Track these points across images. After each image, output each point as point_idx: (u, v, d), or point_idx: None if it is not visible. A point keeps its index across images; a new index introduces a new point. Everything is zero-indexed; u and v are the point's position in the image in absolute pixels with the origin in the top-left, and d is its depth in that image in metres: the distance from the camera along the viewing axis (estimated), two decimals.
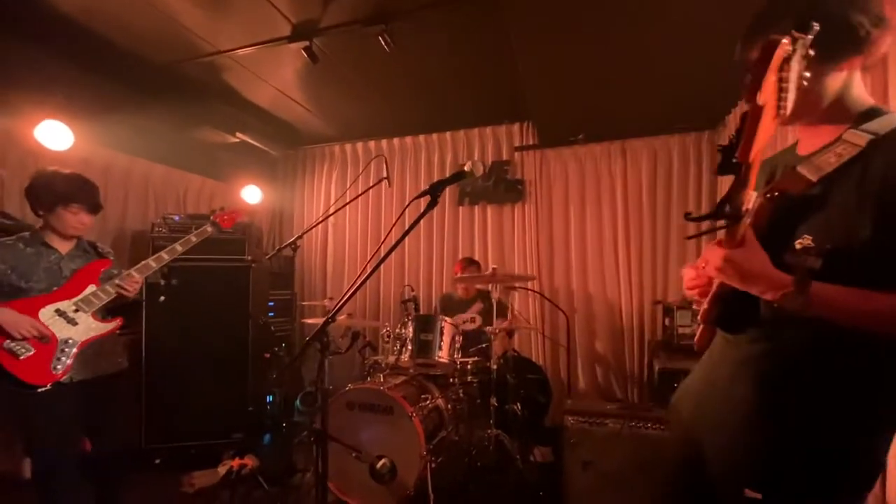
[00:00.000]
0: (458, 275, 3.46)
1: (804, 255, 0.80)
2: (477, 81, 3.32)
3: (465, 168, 1.42)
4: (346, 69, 3.14)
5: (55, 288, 1.83)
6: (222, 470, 2.72)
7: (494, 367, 2.82)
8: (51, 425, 1.78)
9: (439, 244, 4.29)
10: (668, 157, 3.81)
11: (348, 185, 4.47)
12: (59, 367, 1.76)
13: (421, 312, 3.29)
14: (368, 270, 1.43)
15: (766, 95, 0.68)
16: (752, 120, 0.68)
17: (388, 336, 2.86)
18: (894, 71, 1.77)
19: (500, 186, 4.08)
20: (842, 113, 0.88)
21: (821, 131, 0.90)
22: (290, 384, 3.69)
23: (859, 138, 0.82)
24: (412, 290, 3.16)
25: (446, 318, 2.79)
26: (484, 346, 3.03)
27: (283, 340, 3.89)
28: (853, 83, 0.87)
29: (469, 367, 2.90)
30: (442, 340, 2.70)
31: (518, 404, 3.04)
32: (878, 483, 1.78)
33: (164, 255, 2.05)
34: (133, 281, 1.94)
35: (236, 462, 2.68)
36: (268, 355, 3.42)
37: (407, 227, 1.45)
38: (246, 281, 3.30)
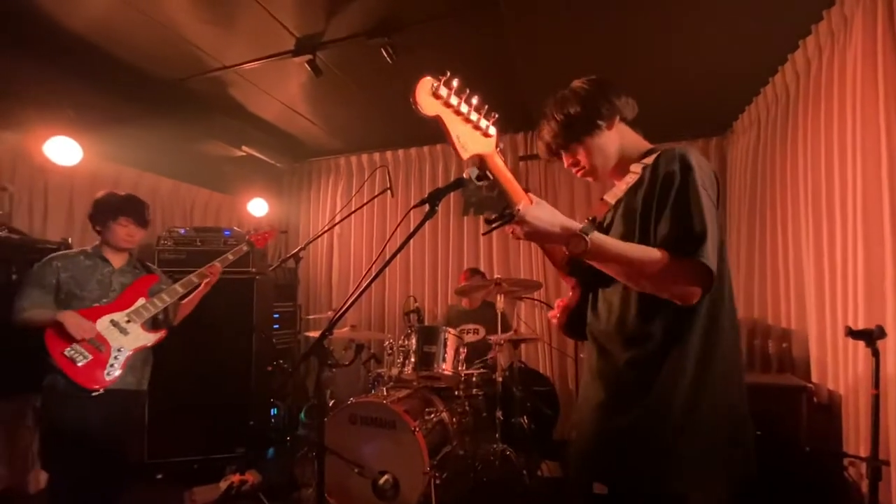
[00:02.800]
0: (462, 284, 3.42)
1: None
2: (480, 91, 3.30)
3: (465, 175, 1.39)
4: (350, 82, 3.16)
5: (105, 300, 2.01)
6: (224, 485, 2.68)
7: (500, 379, 2.77)
8: (84, 429, 1.89)
9: (444, 255, 4.27)
10: None
11: (352, 197, 4.48)
12: (111, 373, 1.94)
13: (425, 324, 3.25)
14: (366, 284, 1.41)
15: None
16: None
17: (392, 348, 2.82)
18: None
19: (506, 196, 4.05)
20: (630, 159, 1.16)
21: (620, 175, 1.17)
22: (295, 397, 3.66)
23: (638, 168, 1.11)
24: (415, 301, 3.12)
25: (450, 330, 2.75)
26: (489, 357, 2.97)
27: (288, 353, 3.87)
28: (624, 135, 1.18)
29: (474, 379, 2.84)
30: (445, 352, 2.66)
31: (525, 417, 2.97)
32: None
33: (205, 272, 2.27)
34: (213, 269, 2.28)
35: (237, 478, 2.64)
36: (270, 368, 3.39)
37: (407, 238, 1.42)
38: (250, 293, 3.28)
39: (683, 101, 3.27)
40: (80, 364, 1.87)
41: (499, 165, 1.03)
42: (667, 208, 0.99)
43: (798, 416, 2.09)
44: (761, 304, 3.01)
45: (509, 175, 1.05)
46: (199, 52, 2.76)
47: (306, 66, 2.79)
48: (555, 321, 1.28)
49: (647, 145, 1.19)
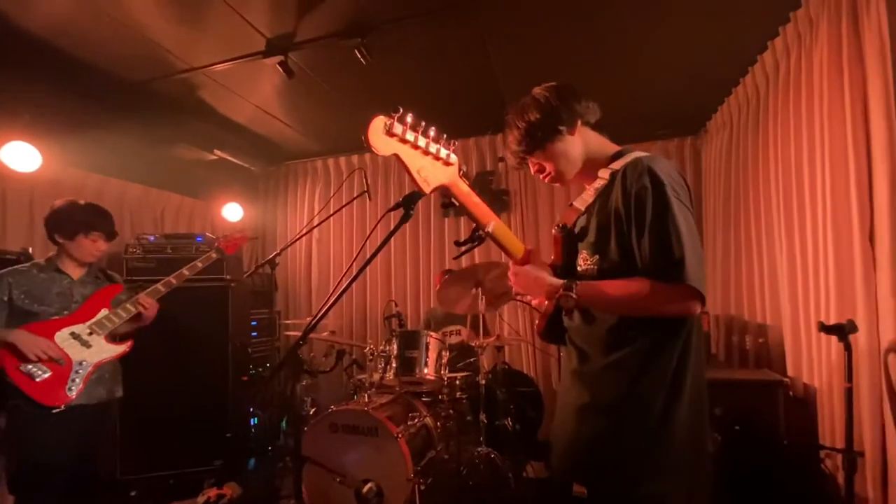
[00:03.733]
0: (438, 287, 3.40)
1: (587, 269, 1.10)
2: (457, 92, 3.30)
3: None
4: (323, 83, 3.10)
5: (66, 312, 1.92)
6: (201, 500, 2.59)
7: (483, 381, 2.75)
8: (49, 448, 1.81)
9: (425, 258, 4.24)
10: None
11: (330, 200, 4.40)
12: (73, 388, 1.85)
13: (407, 328, 3.21)
14: (344, 286, 1.37)
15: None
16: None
17: (373, 354, 2.78)
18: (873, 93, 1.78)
19: (485, 197, 3.99)
20: (596, 162, 1.17)
21: (589, 178, 1.19)
22: (276, 406, 3.57)
23: (606, 173, 1.12)
24: (396, 306, 3.08)
25: (432, 334, 2.72)
26: (472, 360, 2.95)
27: (267, 361, 3.77)
28: (588, 139, 1.19)
29: (457, 382, 2.82)
30: (427, 356, 2.62)
31: (509, 419, 2.96)
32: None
33: (173, 280, 2.13)
34: (148, 302, 2.05)
35: (214, 492, 2.56)
36: (245, 378, 3.30)
37: (384, 241, 1.39)
38: (224, 301, 3.19)
39: (658, 101, 3.32)
40: (38, 380, 1.78)
41: (463, 191, 1.04)
42: (645, 231, 1.00)
43: (775, 410, 2.13)
44: (737, 300, 3.06)
45: (475, 198, 1.07)
46: (165, 52, 2.66)
47: (278, 67, 2.72)
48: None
49: (613, 148, 1.20)
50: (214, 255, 2.32)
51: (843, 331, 1.65)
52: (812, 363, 2.17)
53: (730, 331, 3.13)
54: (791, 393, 2.27)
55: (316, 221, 4.24)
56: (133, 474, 2.88)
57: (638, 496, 1.01)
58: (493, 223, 1.08)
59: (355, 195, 3.06)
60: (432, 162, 0.98)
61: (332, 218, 4.19)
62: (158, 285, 2.10)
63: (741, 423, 2.10)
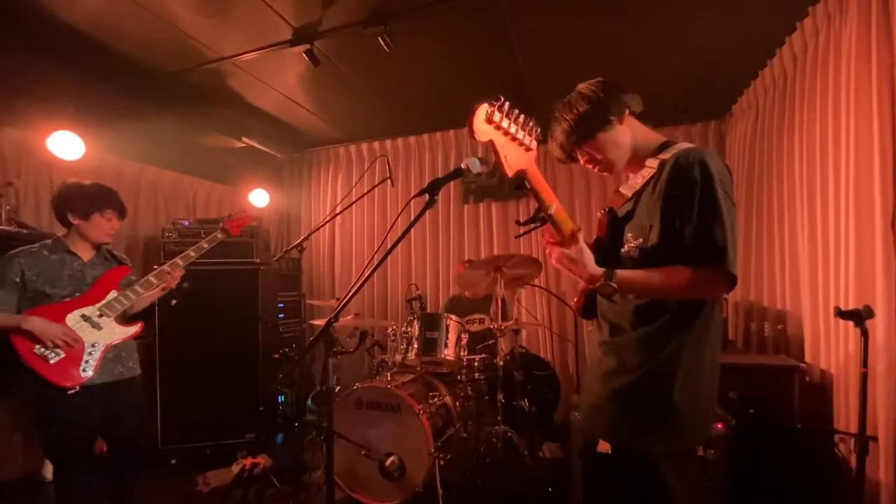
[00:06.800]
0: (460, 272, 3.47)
1: (630, 250, 1.17)
2: (478, 78, 3.31)
3: (463, 165, 1.42)
4: (347, 71, 3.16)
5: (78, 293, 1.91)
6: (236, 469, 2.77)
7: (501, 363, 2.83)
8: (74, 426, 1.85)
9: (445, 242, 4.31)
10: None
11: (353, 187, 4.50)
12: (87, 369, 1.85)
13: (427, 311, 3.30)
14: (369, 272, 1.45)
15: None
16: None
17: (395, 335, 2.88)
18: None
19: (505, 183, 4.07)
20: (643, 152, 1.24)
21: (635, 168, 1.26)
22: (301, 384, 3.74)
23: (654, 162, 1.18)
24: (417, 289, 3.17)
25: (451, 316, 2.80)
26: (490, 343, 3.03)
27: (293, 341, 3.94)
28: (635, 129, 1.25)
29: (476, 364, 2.91)
30: (448, 338, 2.71)
31: (526, 400, 3.04)
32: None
33: (179, 262, 2.11)
34: (171, 275, 2.05)
35: (249, 461, 2.72)
36: (277, 356, 3.46)
37: (408, 227, 1.46)
38: (255, 283, 3.34)
39: (683, 85, 3.28)
40: (52, 362, 1.79)
41: (537, 174, 1.10)
42: (692, 220, 1.07)
43: (790, 395, 2.15)
44: (757, 287, 3.05)
45: (544, 182, 1.12)
46: (196, 43, 2.76)
47: (304, 56, 2.79)
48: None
49: (660, 138, 1.25)
50: (220, 236, 2.28)
51: (859, 316, 1.66)
52: (829, 349, 2.17)
53: (749, 317, 3.12)
54: (807, 379, 2.28)
55: (339, 207, 4.34)
56: (172, 444, 3.09)
57: (653, 453, 1.10)
58: (555, 206, 1.12)
59: (378, 182, 3.13)
60: (517, 148, 1.05)
61: (354, 204, 4.30)
62: (165, 267, 2.07)
63: (756, 407, 2.13)
